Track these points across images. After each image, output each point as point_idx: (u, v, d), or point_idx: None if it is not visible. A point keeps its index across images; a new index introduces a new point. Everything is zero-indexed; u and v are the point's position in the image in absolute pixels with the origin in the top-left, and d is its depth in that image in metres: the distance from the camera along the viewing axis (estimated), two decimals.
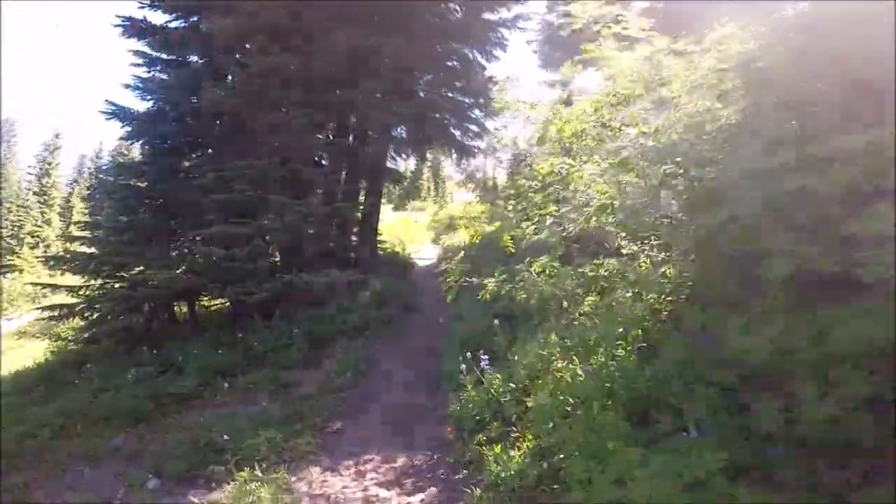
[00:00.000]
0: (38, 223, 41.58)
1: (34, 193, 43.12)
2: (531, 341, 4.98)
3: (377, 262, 12.03)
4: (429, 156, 13.74)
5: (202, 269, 8.48)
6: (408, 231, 24.02)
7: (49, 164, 44.66)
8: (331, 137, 12.07)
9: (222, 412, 6.21)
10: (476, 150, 13.49)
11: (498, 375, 4.93)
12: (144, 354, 8.16)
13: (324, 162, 13.33)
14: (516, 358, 4.93)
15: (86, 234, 11.47)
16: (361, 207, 13.20)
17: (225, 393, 7.00)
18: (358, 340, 8.37)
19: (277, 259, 10.92)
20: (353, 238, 13.42)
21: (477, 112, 13.13)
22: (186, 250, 9.33)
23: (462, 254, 8.31)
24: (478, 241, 15.62)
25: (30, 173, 44.57)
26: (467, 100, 12.87)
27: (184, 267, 8.69)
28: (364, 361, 7.53)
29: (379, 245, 14.53)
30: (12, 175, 43.27)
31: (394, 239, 21.10)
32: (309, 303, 9.13)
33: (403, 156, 14.31)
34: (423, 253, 20.19)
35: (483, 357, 5.17)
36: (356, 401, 6.50)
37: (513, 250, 6.33)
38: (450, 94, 12.41)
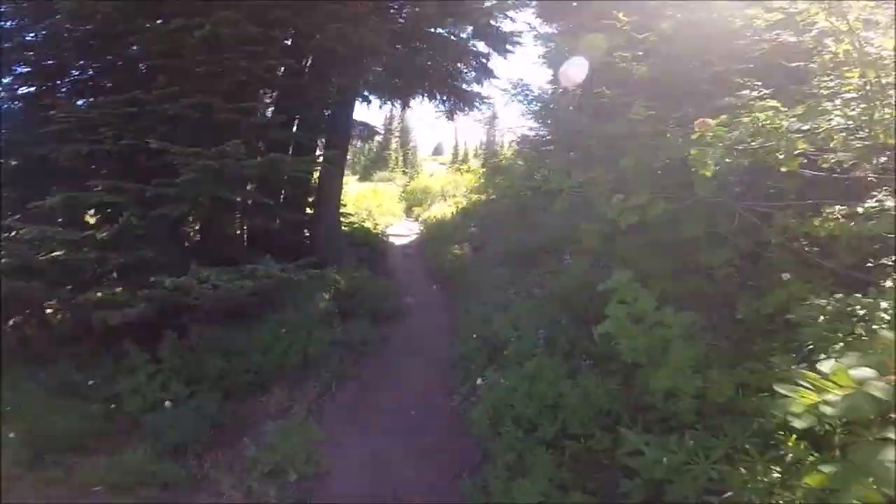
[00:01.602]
0: None
1: None
2: None
3: (340, 243, 8.63)
4: (413, 104, 9.85)
5: (21, 265, 4.83)
6: (378, 202, 20.48)
7: None
8: (279, 71, 8.42)
9: None
10: (479, 100, 10.12)
11: None
12: None
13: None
14: None
15: None
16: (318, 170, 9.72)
17: None
18: (302, 403, 5.03)
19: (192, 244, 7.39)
20: (308, 211, 9.94)
21: (479, 45, 9.73)
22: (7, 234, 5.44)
23: None
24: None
25: None
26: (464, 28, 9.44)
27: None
28: (308, 461, 4.17)
29: (344, 220, 11.08)
30: None
31: (362, 212, 17.69)
32: (233, 315, 5.74)
33: (379, 102, 10.75)
34: (397, 227, 16.79)
35: None
36: None
37: None
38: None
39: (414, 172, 40.60)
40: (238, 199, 5.97)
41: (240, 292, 5.12)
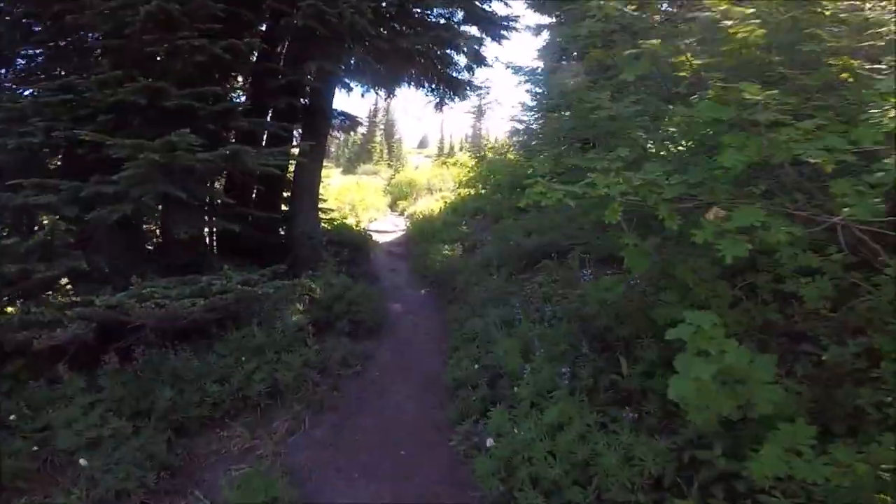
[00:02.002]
0: None
1: None
2: None
3: (318, 243, 7.77)
4: (398, 93, 8.97)
5: None
6: (361, 196, 19.57)
7: None
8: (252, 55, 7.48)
9: None
10: (470, 88, 9.29)
11: None
12: None
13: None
14: None
15: None
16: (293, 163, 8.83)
17: None
18: (268, 441, 4.20)
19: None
20: (284, 208, 9.05)
21: (471, 30, 8.90)
22: None
23: None
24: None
25: None
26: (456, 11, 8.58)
27: None
28: None
29: (323, 215, 10.20)
30: None
31: (344, 206, 16.79)
32: (188, 334, 4.89)
33: (361, 89, 9.84)
34: (382, 222, 15.97)
35: None
36: None
37: None
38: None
39: (399, 165, 39.72)
40: (188, 196, 5.04)
41: (191, 310, 4.26)
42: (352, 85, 9.60)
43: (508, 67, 9.07)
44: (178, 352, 4.76)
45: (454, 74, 9.10)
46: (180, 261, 6.08)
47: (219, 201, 5.62)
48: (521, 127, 16.66)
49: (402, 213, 18.08)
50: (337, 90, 9.56)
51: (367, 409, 4.72)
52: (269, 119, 7.64)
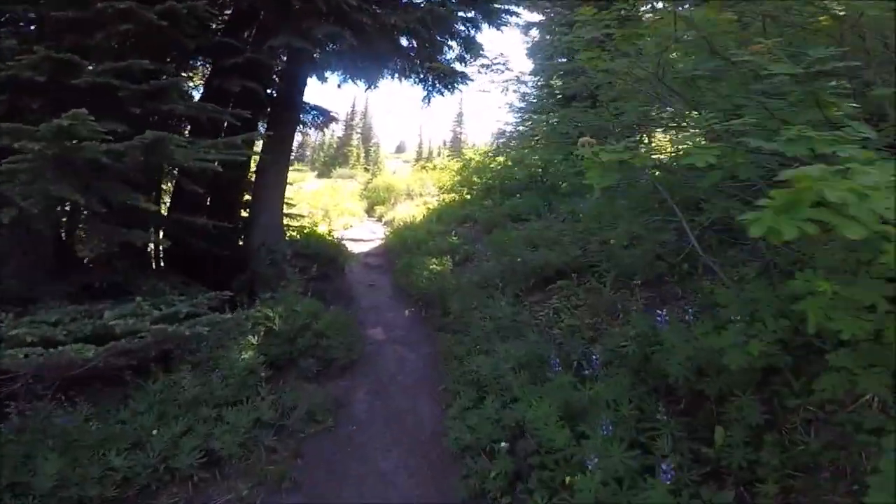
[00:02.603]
0: None
1: None
2: None
3: (281, 257, 6.50)
4: (381, 84, 7.76)
5: None
6: (336, 201, 18.25)
7: None
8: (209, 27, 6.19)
9: None
10: (462, 80, 8.15)
11: None
12: None
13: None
14: None
15: None
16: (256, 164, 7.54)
17: None
18: None
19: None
20: (244, 213, 7.76)
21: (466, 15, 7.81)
22: None
23: None
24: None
25: None
26: None
27: None
28: None
29: (290, 222, 8.92)
30: None
31: (317, 211, 15.48)
32: (89, 382, 3.59)
33: (339, 79, 8.60)
34: (358, 229, 14.71)
35: None
36: None
37: None
38: None
39: (376, 169, 38.41)
40: (98, 201, 3.77)
41: (87, 359, 2.98)
42: (326, 74, 8.35)
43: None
44: (73, 405, 3.46)
45: (445, 62, 7.96)
46: (99, 281, 4.79)
47: (153, 208, 4.30)
48: (508, 128, 15.83)
49: (379, 219, 16.85)
50: (310, 78, 8.36)
51: (342, 485, 3.50)
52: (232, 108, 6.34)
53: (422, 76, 8.06)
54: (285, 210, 9.03)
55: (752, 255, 3.12)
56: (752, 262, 2.87)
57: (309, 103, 8.52)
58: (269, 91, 7.79)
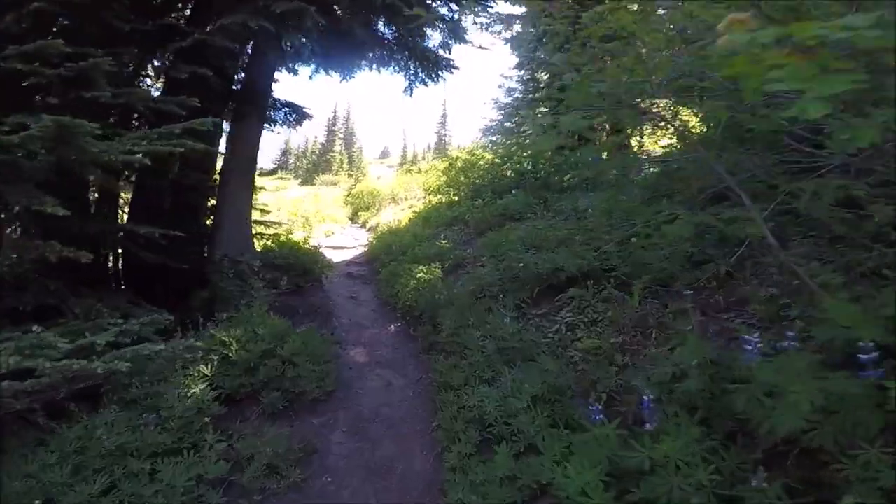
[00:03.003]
0: None
1: None
2: None
3: (247, 269, 5.66)
4: (359, 73, 6.98)
5: None
6: (318, 207, 17.40)
7: None
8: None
9: None
10: (444, 66, 7.41)
11: None
12: None
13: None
14: None
15: None
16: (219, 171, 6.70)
17: None
18: None
19: None
20: (209, 222, 6.90)
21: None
22: None
23: None
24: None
25: None
26: None
27: None
28: None
29: (262, 230, 8.06)
30: None
31: (298, 219, 14.62)
32: None
33: (310, 71, 7.81)
34: (340, 236, 13.88)
35: None
36: None
37: None
38: None
39: (360, 175, 37.49)
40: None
41: None
42: (297, 66, 7.57)
43: None
44: None
45: (429, 49, 7.22)
46: (27, 303, 3.96)
47: (61, 212, 3.44)
48: (493, 125, 15.09)
49: (363, 225, 16.04)
50: (279, 72, 7.56)
51: None
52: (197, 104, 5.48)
53: (403, 63, 7.31)
54: (258, 217, 8.20)
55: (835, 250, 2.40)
56: (847, 259, 2.14)
57: (280, 99, 7.72)
58: (233, 85, 6.98)
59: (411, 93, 7.47)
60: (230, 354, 3.89)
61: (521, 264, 4.78)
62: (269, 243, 7.65)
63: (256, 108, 6.78)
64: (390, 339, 5.69)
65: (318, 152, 57.19)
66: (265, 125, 7.11)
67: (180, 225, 5.23)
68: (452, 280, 6.05)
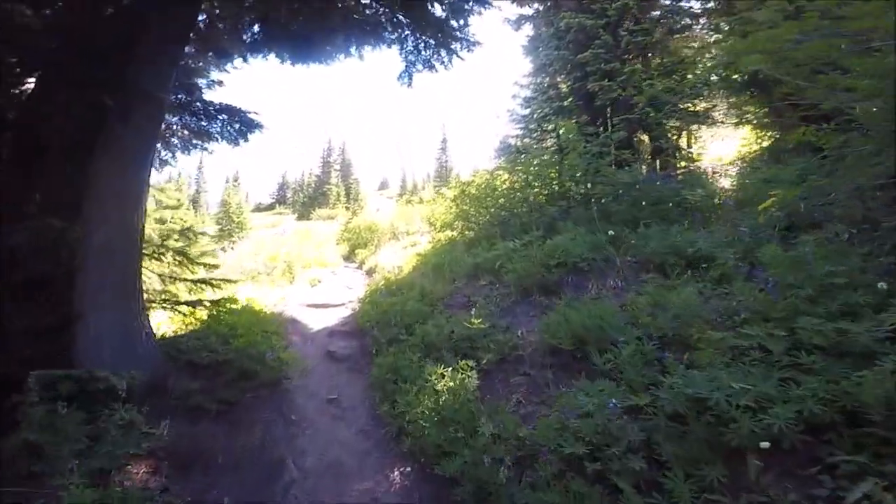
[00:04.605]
0: None
1: None
2: None
3: (120, 389, 2.95)
4: (331, 63, 4.34)
5: None
6: (304, 249, 14.78)
7: None
8: None
9: None
10: (461, 42, 4.85)
11: None
12: None
13: None
14: None
15: None
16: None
17: None
18: None
19: None
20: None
21: None
22: None
23: None
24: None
25: None
26: None
27: None
28: None
29: (200, 295, 5.35)
30: None
31: (279, 264, 12.03)
32: None
33: (262, 58, 5.27)
34: (328, 286, 10.93)
35: None
36: None
37: None
38: None
39: (357, 207, 35.02)
40: None
41: None
42: (232, 52, 5.01)
43: None
44: None
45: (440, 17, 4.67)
46: None
47: None
48: (513, 139, 12.50)
49: (360, 266, 13.29)
50: (215, 61, 5.04)
51: None
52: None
53: (397, 37, 4.74)
54: (193, 276, 5.54)
55: None
56: None
57: (213, 102, 5.13)
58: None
59: (410, 80, 4.88)
60: None
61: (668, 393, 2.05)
62: (193, 323, 4.94)
63: (149, 105, 4.17)
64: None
65: (313, 185, 55.15)
66: (175, 139, 4.48)
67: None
68: (499, 389, 3.31)
